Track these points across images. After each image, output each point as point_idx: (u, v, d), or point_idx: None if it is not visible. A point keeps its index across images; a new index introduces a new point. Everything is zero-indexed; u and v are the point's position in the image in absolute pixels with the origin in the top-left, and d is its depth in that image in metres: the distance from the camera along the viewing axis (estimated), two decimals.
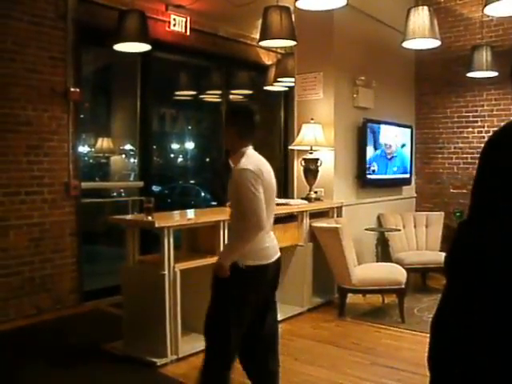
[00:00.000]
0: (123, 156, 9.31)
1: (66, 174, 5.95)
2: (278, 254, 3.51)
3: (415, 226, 7.51)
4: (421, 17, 5.57)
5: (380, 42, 7.18)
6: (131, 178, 8.30)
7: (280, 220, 5.81)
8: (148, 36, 5.55)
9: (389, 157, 7.46)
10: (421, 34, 5.54)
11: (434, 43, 5.69)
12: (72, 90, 5.93)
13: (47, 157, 5.78)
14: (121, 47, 5.56)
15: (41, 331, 5.32)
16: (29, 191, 5.63)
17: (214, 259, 4.86)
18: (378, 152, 7.22)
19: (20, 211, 5.56)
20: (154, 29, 6.30)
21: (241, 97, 8.97)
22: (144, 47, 5.62)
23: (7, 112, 5.41)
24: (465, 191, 7.86)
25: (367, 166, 7.00)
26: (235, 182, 3.48)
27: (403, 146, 7.78)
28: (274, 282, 3.55)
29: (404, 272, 5.92)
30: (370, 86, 7.11)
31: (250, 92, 8.90)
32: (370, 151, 7.03)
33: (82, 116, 6.53)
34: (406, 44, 5.72)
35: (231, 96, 8.46)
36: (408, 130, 7.94)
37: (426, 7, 5.63)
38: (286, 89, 8.21)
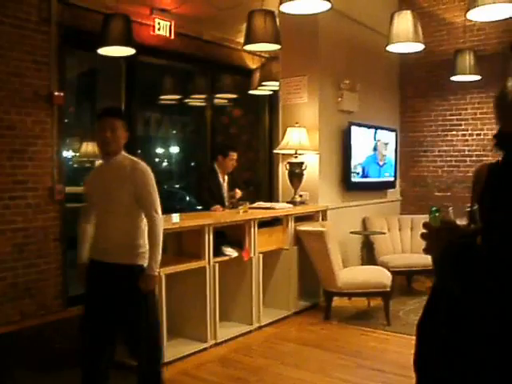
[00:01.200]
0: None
1: (51, 179, 5.90)
2: None
3: (400, 229, 7.54)
4: (404, 21, 5.62)
5: (364, 45, 7.21)
6: None
7: (265, 224, 5.83)
8: (132, 40, 5.54)
9: (380, 163, 7.49)
10: (405, 38, 5.58)
11: (418, 47, 5.73)
12: (56, 93, 5.88)
13: (31, 161, 5.73)
14: (105, 51, 5.53)
15: (25, 337, 5.27)
16: (12, 196, 5.57)
17: (199, 263, 4.88)
18: (362, 155, 7.26)
19: (3, 216, 5.50)
20: (139, 33, 6.27)
21: (225, 101, 8.96)
22: (128, 51, 5.60)
23: None
24: (449, 194, 7.92)
25: (351, 169, 7.03)
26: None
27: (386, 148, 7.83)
28: None
29: (389, 275, 5.95)
30: (355, 89, 7.13)
31: (235, 96, 8.89)
32: (353, 155, 7.05)
33: (66, 120, 6.49)
34: (390, 48, 5.76)
35: (216, 100, 8.45)
36: (393, 134, 7.98)
37: (409, 11, 5.68)
38: (271, 93, 8.21)
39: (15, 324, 5.47)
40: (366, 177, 7.30)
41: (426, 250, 1.71)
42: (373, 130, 7.43)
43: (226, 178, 6.30)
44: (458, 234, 1.61)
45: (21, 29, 5.55)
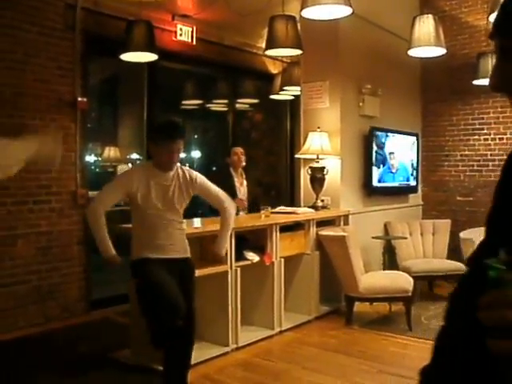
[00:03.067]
0: (130, 165, 9.34)
1: (74, 183, 5.98)
2: None
3: (422, 234, 7.50)
4: (426, 25, 5.61)
5: (386, 50, 7.20)
6: None
7: (287, 228, 5.83)
8: (155, 46, 5.60)
9: (393, 170, 7.47)
10: (426, 42, 5.58)
11: (440, 51, 5.72)
12: (79, 99, 5.97)
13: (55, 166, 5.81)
14: (128, 57, 5.61)
15: (49, 340, 5.34)
16: (37, 200, 5.66)
17: (221, 267, 4.90)
18: (384, 167, 7.25)
19: (28, 220, 5.59)
20: (161, 38, 6.34)
21: (247, 106, 9.00)
22: (151, 57, 5.68)
23: (16, 122, 5.45)
24: (471, 199, 7.87)
25: (373, 174, 7.01)
26: None
27: (409, 154, 7.80)
28: None
29: (411, 280, 5.92)
30: (376, 94, 7.12)
31: (256, 101, 8.93)
32: (375, 159, 7.05)
33: (89, 125, 6.56)
34: (412, 52, 5.75)
35: (237, 105, 8.49)
36: (414, 138, 7.95)
37: (431, 15, 5.67)
38: (292, 97, 8.23)
39: (39, 326, 5.55)
40: (384, 182, 7.27)
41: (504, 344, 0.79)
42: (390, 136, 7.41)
43: (245, 182, 6.32)
44: None
45: (47, 36, 5.66)
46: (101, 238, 3.81)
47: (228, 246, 4.90)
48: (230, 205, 4.16)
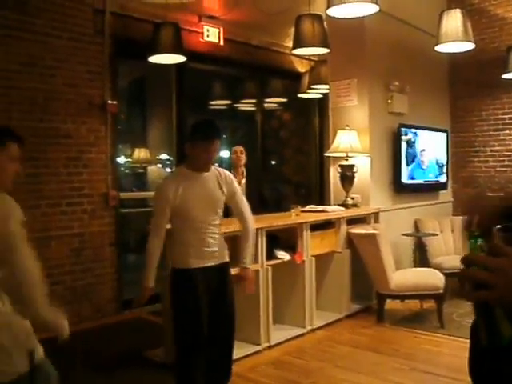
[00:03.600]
0: (160, 166, 9.43)
1: (105, 185, 6.06)
2: None
3: (452, 231, 7.45)
4: (453, 20, 5.55)
5: (413, 46, 7.15)
6: None
7: (317, 227, 5.83)
8: (182, 47, 5.64)
9: (424, 167, 7.43)
10: (454, 38, 5.52)
11: (468, 46, 5.66)
12: (109, 102, 6.04)
13: (86, 168, 5.90)
14: (156, 59, 5.66)
15: (83, 339, 5.41)
16: (69, 202, 5.75)
17: (252, 267, 4.91)
18: (415, 159, 7.21)
19: (61, 222, 5.68)
20: (188, 40, 6.38)
21: (275, 105, 9.01)
22: (179, 58, 5.72)
23: (48, 126, 5.55)
24: (503, 194, 7.78)
25: (403, 171, 6.98)
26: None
27: (438, 150, 7.75)
28: None
29: (442, 277, 5.89)
30: (404, 91, 7.09)
31: (285, 100, 8.94)
32: (405, 156, 7.01)
33: (118, 127, 6.64)
34: (439, 48, 5.70)
35: (265, 104, 8.50)
36: (444, 134, 7.89)
37: (458, 10, 5.61)
38: (320, 96, 8.21)
39: (73, 326, 5.62)
40: (413, 178, 7.23)
41: (473, 294, 1.07)
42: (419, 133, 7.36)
43: (243, 181, 6.36)
44: None
45: (76, 41, 5.76)
46: (148, 268, 3.75)
47: (259, 247, 4.95)
48: (252, 221, 4.04)
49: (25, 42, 5.39)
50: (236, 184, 3.95)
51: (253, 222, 4.01)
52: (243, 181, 6.33)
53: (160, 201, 3.75)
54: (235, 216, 4.04)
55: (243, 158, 6.36)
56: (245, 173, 6.42)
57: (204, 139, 3.66)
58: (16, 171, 2.23)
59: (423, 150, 7.36)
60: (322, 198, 8.09)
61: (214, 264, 3.77)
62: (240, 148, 6.38)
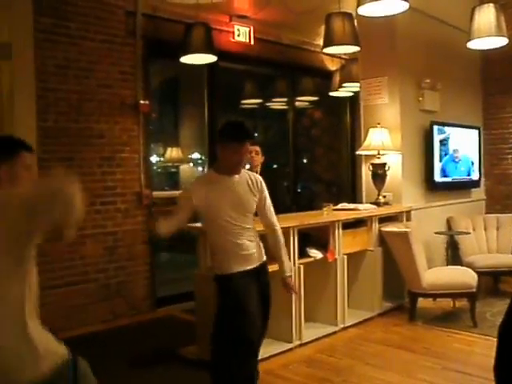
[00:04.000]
0: (191, 165, 9.50)
1: (138, 184, 6.14)
2: None
3: (485, 229, 7.38)
4: (486, 15, 5.48)
5: (444, 43, 7.10)
6: None
7: (349, 225, 5.83)
8: (214, 47, 5.69)
9: (456, 160, 7.37)
10: (487, 33, 5.45)
11: (502, 41, 5.59)
12: (141, 102, 6.12)
13: (120, 167, 5.99)
14: (187, 59, 5.71)
15: (117, 335, 5.51)
16: (103, 201, 5.84)
17: None
18: (447, 156, 7.16)
19: (95, 221, 5.77)
20: (219, 39, 6.43)
21: (306, 103, 9.01)
22: (210, 58, 5.76)
23: (82, 126, 5.65)
24: None
25: (435, 168, 6.94)
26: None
27: (471, 148, 7.69)
28: None
29: (475, 275, 5.84)
30: (436, 88, 7.04)
31: (316, 98, 8.94)
32: (437, 154, 6.98)
33: (151, 127, 6.71)
34: (472, 44, 5.64)
35: (297, 103, 8.51)
36: (476, 132, 7.82)
37: (491, 4, 5.52)
38: (352, 94, 8.19)
39: (108, 323, 5.74)
40: (446, 176, 7.18)
41: None
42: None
43: None
44: None
45: (109, 43, 5.86)
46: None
47: (291, 245, 4.97)
48: (279, 226, 3.98)
49: (60, 45, 5.51)
50: (266, 190, 3.88)
51: (280, 229, 3.98)
52: None
53: (182, 198, 3.84)
54: (262, 223, 3.94)
55: (258, 159, 5.89)
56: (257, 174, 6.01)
57: (235, 140, 3.61)
58: (31, 179, 2.29)
59: (455, 148, 7.31)
60: (353, 196, 8.07)
61: (254, 266, 3.76)
62: (255, 148, 5.88)
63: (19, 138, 2.31)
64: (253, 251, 3.76)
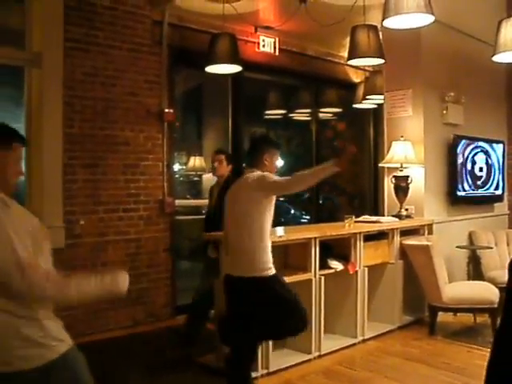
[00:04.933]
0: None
1: (161, 192, 6.19)
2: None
3: (508, 244, 7.31)
4: None
5: (469, 56, 7.07)
6: None
7: (371, 237, 5.82)
8: (239, 58, 5.72)
9: (479, 174, 7.33)
10: None
11: None
12: (166, 111, 6.18)
13: (143, 175, 6.04)
14: (212, 69, 5.74)
15: (137, 342, 5.54)
16: (126, 208, 5.90)
17: (305, 275, 4.96)
18: (470, 170, 7.13)
19: (118, 227, 5.83)
20: (244, 50, 6.48)
21: (330, 115, 9.02)
22: (235, 68, 5.79)
23: (108, 133, 5.73)
24: None
25: (458, 182, 6.91)
26: None
27: (495, 162, 7.64)
28: None
29: (497, 291, 5.79)
30: (460, 101, 7.01)
31: (339, 110, 8.95)
32: (460, 168, 6.94)
33: (175, 135, 6.76)
34: (497, 57, 5.59)
35: (320, 114, 8.52)
36: (500, 146, 7.77)
37: None
38: (375, 106, 8.20)
39: (128, 329, 5.78)
40: (468, 190, 7.14)
41: None
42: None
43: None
44: None
45: (136, 52, 5.94)
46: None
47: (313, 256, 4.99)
48: None
49: (89, 53, 5.60)
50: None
51: None
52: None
53: None
54: None
55: (222, 168, 5.41)
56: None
57: (278, 148, 4.25)
58: (20, 172, 2.23)
59: (479, 161, 7.26)
60: (376, 208, 8.06)
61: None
62: (220, 157, 5.43)
63: (13, 128, 2.24)
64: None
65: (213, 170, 5.54)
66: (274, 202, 3.93)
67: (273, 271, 3.89)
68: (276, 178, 3.95)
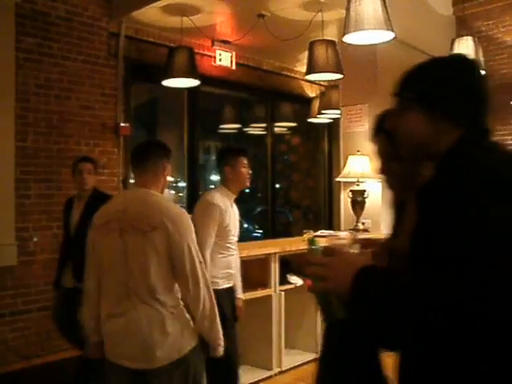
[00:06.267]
0: (171, 190, 9.40)
1: None
2: None
3: None
4: (465, 47, 5.60)
5: None
6: None
7: None
8: (196, 71, 5.68)
9: None
10: None
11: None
12: (122, 124, 6.06)
13: None
14: (170, 83, 5.69)
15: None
16: None
17: (265, 291, 4.92)
18: None
19: None
20: (201, 64, 6.41)
21: (285, 129, 9.03)
22: (193, 82, 5.75)
23: (62, 147, 5.57)
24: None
25: None
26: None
27: None
28: None
29: None
30: None
31: (294, 124, 8.96)
32: None
33: (131, 150, 6.64)
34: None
35: (275, 128, 8.52)
36: None
37: (470, 37, 5.65)
38: (330, 121, 8.24)
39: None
40: None
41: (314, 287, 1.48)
42: None
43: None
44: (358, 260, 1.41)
45: (91, 64, 5.80)
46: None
47: (273, 271, 4.94)
48: None
49: (42, 64, 5.44)
50: None
51: None
52: None
53: (211, 220, 3.94)
54: None
55: (91, 179, 4.76)
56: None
57: (241, 155, 4.09)
58: None
59: None
60: (330, 223, 8.07)
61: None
62: (87, 166, 4.74)
63: None
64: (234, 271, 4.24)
65: (80, 184, 4.67)
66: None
67: None
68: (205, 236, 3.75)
